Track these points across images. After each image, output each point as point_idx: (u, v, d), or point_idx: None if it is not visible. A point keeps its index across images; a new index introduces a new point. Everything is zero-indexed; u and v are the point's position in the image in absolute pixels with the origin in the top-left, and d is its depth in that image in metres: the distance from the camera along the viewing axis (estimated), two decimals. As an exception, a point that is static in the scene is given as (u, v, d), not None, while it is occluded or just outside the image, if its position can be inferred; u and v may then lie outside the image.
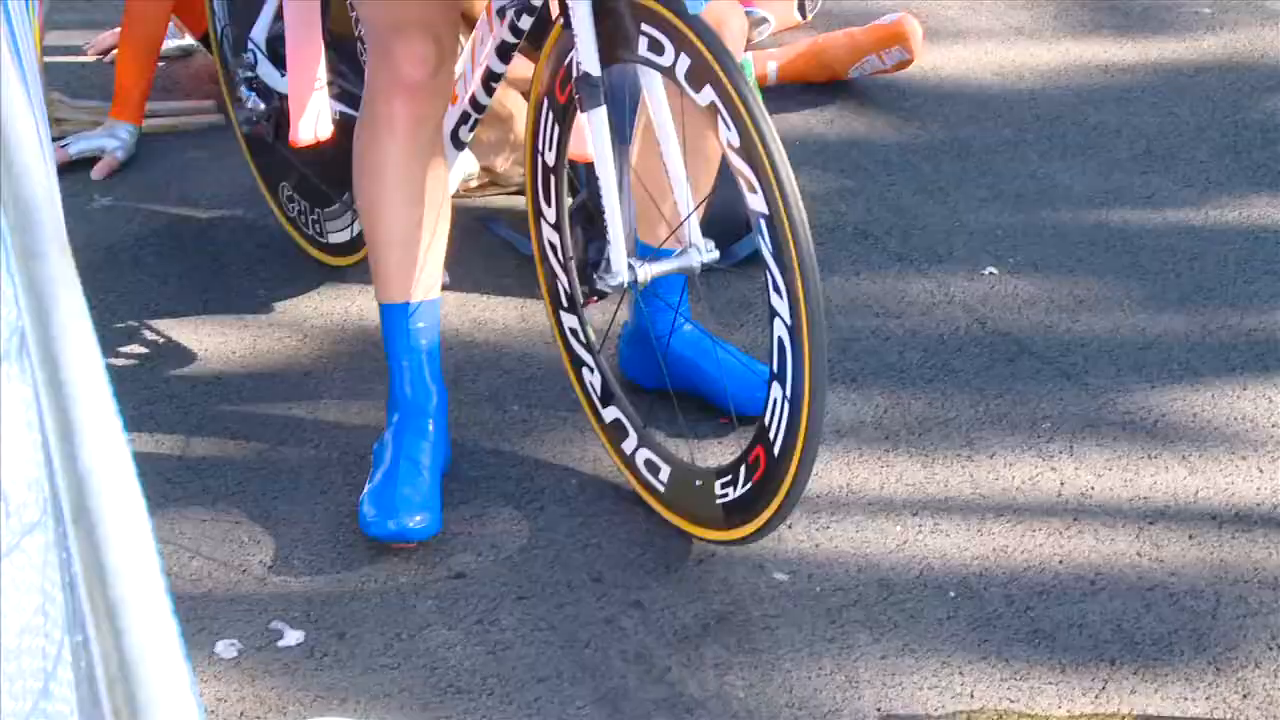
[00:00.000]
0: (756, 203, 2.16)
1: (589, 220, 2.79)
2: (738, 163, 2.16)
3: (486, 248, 3.08)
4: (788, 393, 2.18)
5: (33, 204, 0.96)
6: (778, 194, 2.12)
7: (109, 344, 2.84)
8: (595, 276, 2.34)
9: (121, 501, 0.77)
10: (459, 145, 2.67)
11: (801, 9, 3.74)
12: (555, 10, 2.33)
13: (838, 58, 3.55)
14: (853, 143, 3.44)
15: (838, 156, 3.38)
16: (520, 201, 3.17)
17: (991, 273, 3.02)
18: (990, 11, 3.95)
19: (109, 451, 0.78)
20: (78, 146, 3.34)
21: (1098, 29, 3.88)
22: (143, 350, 2.85)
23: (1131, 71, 3.70)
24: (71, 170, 3.29)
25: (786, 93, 3.54)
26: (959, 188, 3.27)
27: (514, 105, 3.06)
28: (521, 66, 2.69)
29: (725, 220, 2.69)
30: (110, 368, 2.92)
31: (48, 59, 3.42)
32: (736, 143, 2.15)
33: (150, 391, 2.75)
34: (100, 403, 0.82)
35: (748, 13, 3.59)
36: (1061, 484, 2.53)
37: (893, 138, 3.44)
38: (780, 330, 2.18)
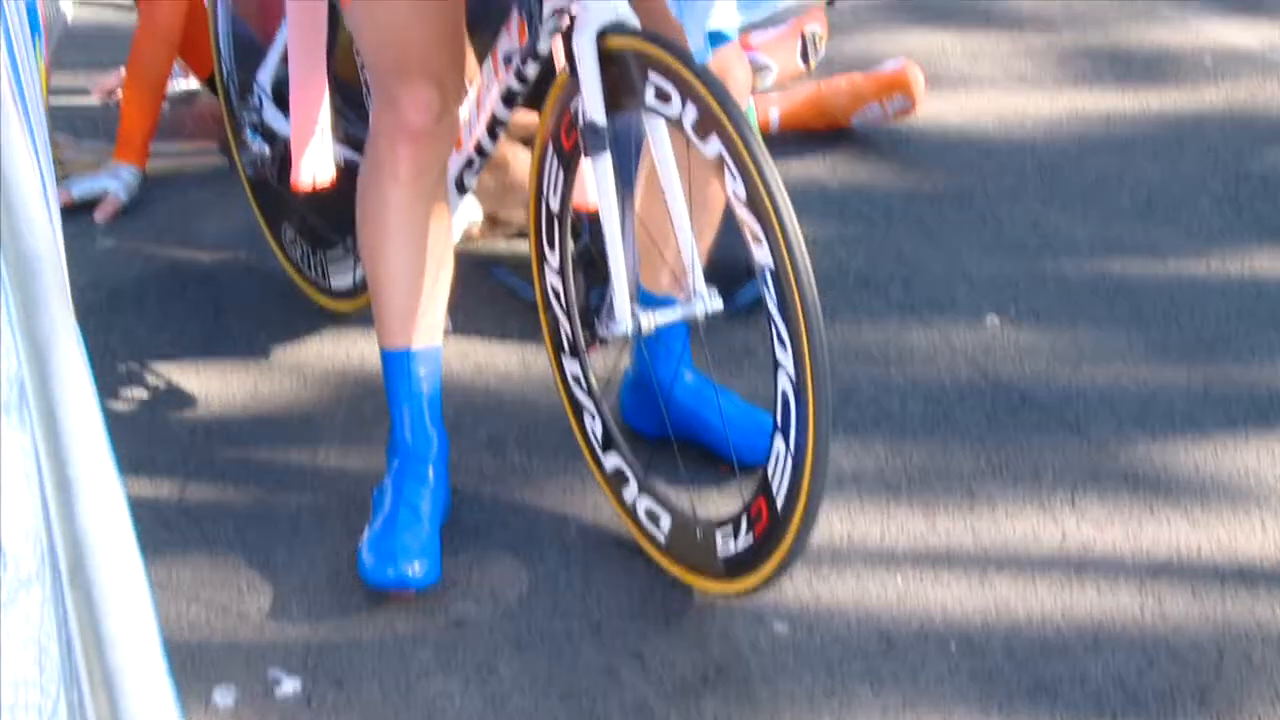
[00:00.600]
0: (762, 255, 2.15)
1: (590, 266, 2.79)
2: (743, 214, 2.16)
3: (489, 294, 3.08)
4: (791, 447, 2.17)
5: (34, 256, 0.95)
6: (783, 247, 2.11)
7: (109, 386, 2.83)
8: (598, 323, 2.33)
9: (118, 565, 0.76)
10: (463, 190, 2.66)
11: (804, 57, 3.75)
12: (561, 58, 2.33)
13: (840, 105, 3.56)
14: (854, 190, 3.44)
15: (839, 204, 3.38)
16: (523, 247, 3.17)
17: (993, 322, 3.02)
18: (992, 60, 3.96)
19: (106, 513, 0.78)
20: (80, 188, 3.34)
21: (1099, 79, 3.89)
22: (143, 393, 2.84)
23: (1133, 122, 3.70)
24: (74, 212, 3.29)
25: (789, 140, 3.55)
26: (961, 236, 3.27)
27: (509, 151, 3.06)
28: (521, 113, 2.69)
29: (727, 266, 2.69)
30: (110, 410, 2.89)
31: (53, 100, 3.42)
32: (743, 194, 2.15)
33: (149, 435, 2.74)
34: (98, 463, 0.81)
35: (750, 60, 3.60)
36: (1063, 537, 2.52)
37: (895, 185, 3.44)
38: (784, 384, 2.16)
